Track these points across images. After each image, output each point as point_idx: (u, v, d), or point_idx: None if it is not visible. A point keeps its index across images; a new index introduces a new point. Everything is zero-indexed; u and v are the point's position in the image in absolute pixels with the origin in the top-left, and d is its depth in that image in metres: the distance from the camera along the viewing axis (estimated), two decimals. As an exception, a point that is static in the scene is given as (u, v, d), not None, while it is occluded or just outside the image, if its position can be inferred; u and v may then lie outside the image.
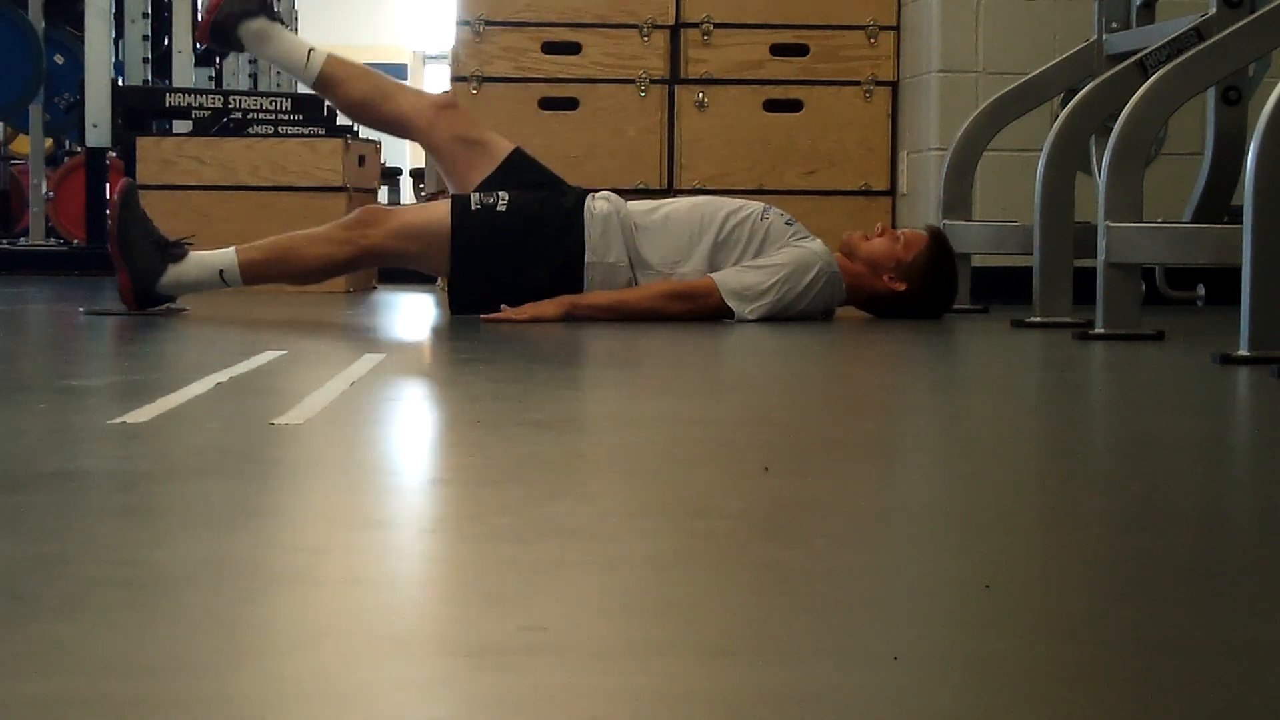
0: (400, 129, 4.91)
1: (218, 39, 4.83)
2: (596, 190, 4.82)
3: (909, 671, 1.19)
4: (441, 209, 4.70)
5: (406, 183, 12.13)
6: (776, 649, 1.25)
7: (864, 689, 1.15)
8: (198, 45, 8.18)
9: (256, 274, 4.59)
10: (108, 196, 7.70)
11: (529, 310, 4.53)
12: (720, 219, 4.67)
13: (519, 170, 4.79)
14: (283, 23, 4.89)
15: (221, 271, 4.56)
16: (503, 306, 4.56)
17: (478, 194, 4.69)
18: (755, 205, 4.76)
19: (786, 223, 4.72)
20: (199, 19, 6.22)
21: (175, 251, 4.55)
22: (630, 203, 4.76)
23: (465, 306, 4.65)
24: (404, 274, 6.38)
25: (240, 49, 4.92)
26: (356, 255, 4.64)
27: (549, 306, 4.56)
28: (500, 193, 4.67)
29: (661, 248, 4.66)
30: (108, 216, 4.97)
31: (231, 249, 4.59)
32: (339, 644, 1.25)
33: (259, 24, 4.77)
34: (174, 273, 4.54)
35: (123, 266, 4.53)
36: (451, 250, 4.62)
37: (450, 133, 4.81)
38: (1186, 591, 1.48)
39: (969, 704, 1.13)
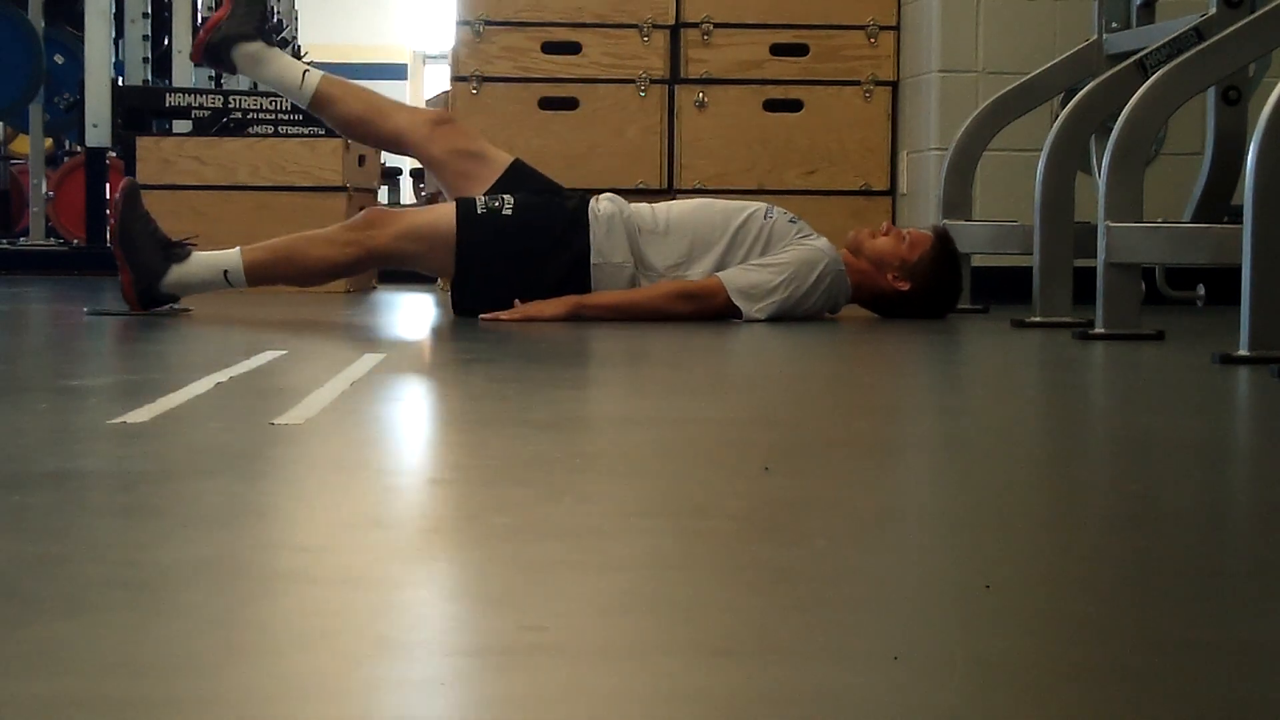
0: (398, 145, 4.91)
1: (211, 58, 4.81)
2: (599, 192, 4.82)
3: (909, 671, 1.19)
4: (447, 211, 4.69)
5: (406, 182, 12.13)
6: (776, 649, 1.25)
7: (864, 689, 1.15)
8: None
9: (261, 275, 4.58)
10: (108, 196, 7.70)
11: (524, 310, 4.53)
12: (726, 230, 4.66)
13: (520, 180, 4.78)
14: (281, 45, 4.86)
15: (226, 272, 4.55)
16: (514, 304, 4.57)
17: (484, 197, 4.68)
18: (758, 205, 4.76)
19: (790, 221, 4.72)
20: (197, 29, 6.20)
21: (178, 251, 4.55)
22: (632, 205, 4.76)
23: (469, 309, 4.65)
24: (404, 274, 6.38)
25: (233, 71, 4.89)
26: (361, 257, 4.63)
27: (550, 306, 4.55)
28: (505, 196, 4.67)
29: (666, 252, 4.66)
30: (110, 215, 4.96)
31: (235, 249, 4.58)
32: (339, 644, 1.25)
33: (255, 48, 4.75)
34: (177, 273, 4.53)
35: (125, 266, 4.52)
36: (456, 252, 4.61)
37: (448, 146, 4.80)
38: (1186, 591, 1.48)
39: (969, 704, 1.13)
